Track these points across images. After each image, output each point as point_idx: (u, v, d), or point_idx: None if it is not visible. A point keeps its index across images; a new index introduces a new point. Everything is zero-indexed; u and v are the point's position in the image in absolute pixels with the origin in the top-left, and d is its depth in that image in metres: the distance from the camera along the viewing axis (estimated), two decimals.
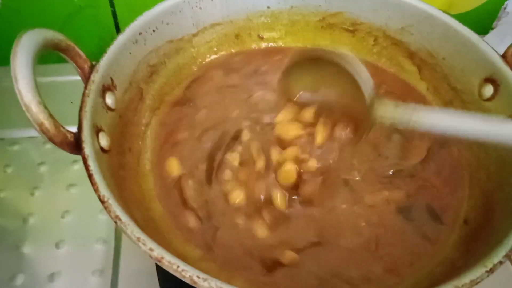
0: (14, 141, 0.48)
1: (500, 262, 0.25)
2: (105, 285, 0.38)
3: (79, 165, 0.45)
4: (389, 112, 0.31)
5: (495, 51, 0.36)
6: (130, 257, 0.40)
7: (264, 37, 0.45)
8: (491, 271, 0.24)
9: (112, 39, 0.35)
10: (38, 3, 0.54)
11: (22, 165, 0.46)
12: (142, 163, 0.36)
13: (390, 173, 0.36)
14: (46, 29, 0.29)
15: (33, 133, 0.48)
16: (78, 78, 0.32)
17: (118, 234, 0.41)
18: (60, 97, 0.44)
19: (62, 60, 0.31)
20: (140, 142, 0.37)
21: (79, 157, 0.44)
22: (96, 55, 0.33)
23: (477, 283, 0.24)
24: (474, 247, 0.30)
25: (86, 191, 0.44)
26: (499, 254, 0.25)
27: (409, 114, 0.30)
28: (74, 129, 0.29)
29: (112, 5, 0.56)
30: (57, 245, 0.40)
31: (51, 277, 0.38)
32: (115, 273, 0.39)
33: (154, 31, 0.37)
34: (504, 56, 0.35)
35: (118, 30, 0.59)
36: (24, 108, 0.26)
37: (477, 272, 0.24)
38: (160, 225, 0.32)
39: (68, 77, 0.53)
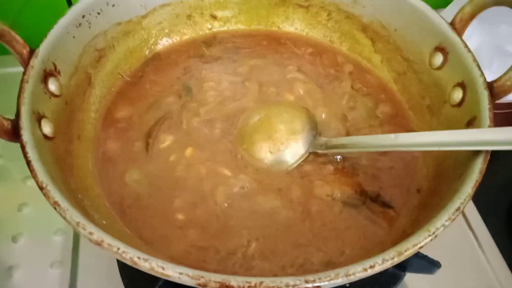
0: None
1: (443, 226, 0.25)
2: (64, 277, 0.37)
3: None
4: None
5: (443, 19, 0.36)
6: (90, 247, 0.39)
7: (218, 16, 0.44)
8: (434, 234, 0.24)
9: None
10: None
11: None
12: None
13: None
14: None
15: None
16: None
17: None
18: (3, 88, 0.43)
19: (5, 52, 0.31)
20: (89, 129, 0.36)
21: None
22: None
23: (420, 247, 0.24)
24: (424, 214, 0.30)
25: None
26: (442, 218, 0.25)
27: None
28: None
29: None
30: (13, 239, 0.39)
31: (9, 270, 0.37)
32: (74, 264, 0.38)
33: (98, 13, 0.37)
34: (452, 24, 0.35)
35: None
36: None
37: (420, 236, 0.24)
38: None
39: (13, 68, 0.51)
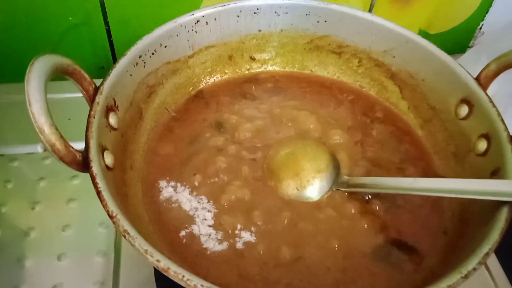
0: (13, 157, 0.49)
1: (474, 269, 0.27)
2: None
3: (78, 181, 0.47)
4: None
5: (470, 74, 0.39)
6: (130, 269, 0.41)
7: (256, 58, 0.48)
8: (466, 277, 0.27)
9: (106, 56, 0.37)
10: (33, 20, 0.56)
11: (22, 180, 0.47)
12: None
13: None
14: (55, 55, 0.30)
15: (31, 149, 0.50)
16: (75, 95, 0.33)
17: (117, 247, 0.43)
18: (57, 114, 0.46)
19: (59, 78, 0.32)
20: (139, 159, 0.39)
21: (78, 173, 0.46)
22: (90, 73, 0.34)
23: None
24: (452, 256, 0.32)
25: (85, 205, 0.46)
26: (473, 262, 0.27)
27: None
28: (75, 145, 0.30)
29: (106, 23, 0.57)
30: (58, 258, 0.41)
31: None
32: (116, 285, 0.40)
33: (153, 53, 0.40)
34: (477, 79, 0.38)
35: (112, 47, 0.60)
36: (37, 130, 0.27)
37: (453, 278, 0.27)
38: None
39: (64, 94, 0.54)
